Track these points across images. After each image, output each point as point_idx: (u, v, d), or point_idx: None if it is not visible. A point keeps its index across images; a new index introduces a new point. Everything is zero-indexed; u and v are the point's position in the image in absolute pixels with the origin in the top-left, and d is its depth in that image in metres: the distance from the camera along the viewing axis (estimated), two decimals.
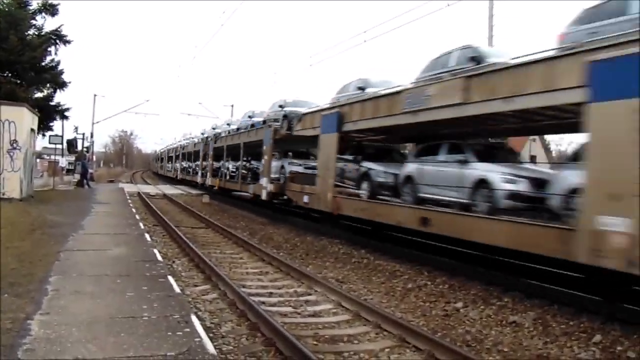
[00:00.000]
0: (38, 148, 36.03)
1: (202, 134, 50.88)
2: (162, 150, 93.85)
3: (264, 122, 29.45)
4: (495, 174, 13.20)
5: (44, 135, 34.00)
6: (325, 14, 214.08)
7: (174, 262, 14.36)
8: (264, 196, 26.45)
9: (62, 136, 38.70)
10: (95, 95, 61.19)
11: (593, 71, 9.82)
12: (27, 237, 13.45)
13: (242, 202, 33.21)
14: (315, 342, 8.40)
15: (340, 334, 8.89)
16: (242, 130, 34.41)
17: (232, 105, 71.22)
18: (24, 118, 22.97)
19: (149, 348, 6.12)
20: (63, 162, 48.45)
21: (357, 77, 21.26)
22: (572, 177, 11.08)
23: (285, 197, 25.32)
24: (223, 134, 40.90)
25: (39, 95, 31.79)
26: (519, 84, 11.68)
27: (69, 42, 31.75)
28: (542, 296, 11.26)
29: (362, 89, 18.64)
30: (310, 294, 11.63)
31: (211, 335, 7.97)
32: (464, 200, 14.01)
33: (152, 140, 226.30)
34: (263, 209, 28.98)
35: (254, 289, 11.88)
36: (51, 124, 34.24)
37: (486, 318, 10.29)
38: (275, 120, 26.74)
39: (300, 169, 25.37)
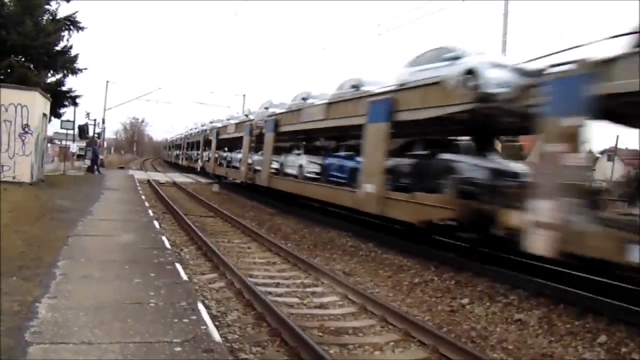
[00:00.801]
0: (49, 133, 36.15)
1: (197, 127, 67.27)
2: (170, 139, 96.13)
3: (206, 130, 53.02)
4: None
5: (50, 120, 34.12)
6: (340, 4, 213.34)
7: (182, 249, 14.42)
8: (198, 168, 53.74)
9: (73, 122, 38.83)
10: (107, 82, 61.23)
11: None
12: (37, 222, 13.52)
13: (251, 193, 33.18)
14: (320, 334, 8.43)
15: (345, 327, 8.92)
16: (197, 133, 59.99)
17: (244, 95, 71.39)
18: (36, 102, 23.02)
19: (155, 334, 6.15)
20: (74, 147, 48.66)
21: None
22: None
23: (206, 169, 49.67)
24: (194, 133, 63.00)
25: (51, 80, 31.83)
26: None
27: (82, 29, 31.85)
28: (548, 295, 11.22)
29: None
30: (317, 286, 11.66)
31: (217, 323, 8.01)
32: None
33: (163, 128, 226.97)
34: (272, 200, 29.02)
35: (261, 279, 11.91)
36: (62, 110, 34.30)
37: (491, 315, 10.29)
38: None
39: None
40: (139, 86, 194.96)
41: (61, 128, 38.42)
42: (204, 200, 28.10)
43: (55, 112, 32.24)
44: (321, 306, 10.14)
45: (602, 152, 59.19)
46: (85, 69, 32.26)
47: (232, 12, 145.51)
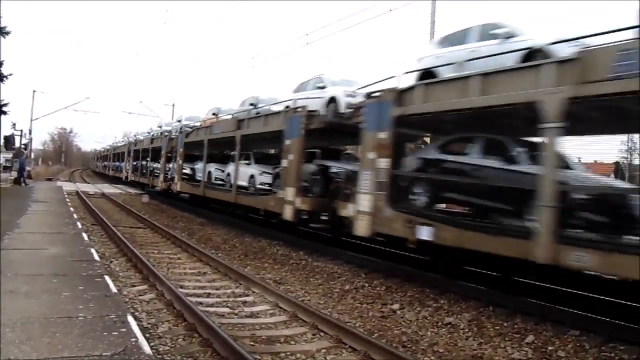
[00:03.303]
0: None
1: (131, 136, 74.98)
2: (98, 151, 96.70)
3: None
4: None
5: None
6: (268, 14, 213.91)
7: (111, 262, 14.22)
8: (124, 178, 56.83)
9: None
10: (34, 91, 59.85)
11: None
12: None
13: (181, 203, 32.95)
14: (252, 343, 8.44)
15: (277, 335, 8.96)
16: (112, 148, 73.59)
17: (173, 105, 70.71)
18: None
19: (84, 348, 6.09)
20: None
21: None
22: None
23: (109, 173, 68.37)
24: (112, 148, 74.31)
25: None
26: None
27: (7, 33, 31.00)
28: (478, 298, 11.51)
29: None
30: (248, 295, 11.68)
31: (148, 335, 7.97)
32: None
33: (92, 139, 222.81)
34: (202, 210, 28.85)
35: (192, 289, 11.87)
36: None
37: (422, 319, 10.49)
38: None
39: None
40: (67, 96, 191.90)
41: None
42: (134, 211, 27.76)
43: None
44: (252, 315, 10.16)
45: None
46: (11, 74, 31.48)
47: (161, 21, 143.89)
